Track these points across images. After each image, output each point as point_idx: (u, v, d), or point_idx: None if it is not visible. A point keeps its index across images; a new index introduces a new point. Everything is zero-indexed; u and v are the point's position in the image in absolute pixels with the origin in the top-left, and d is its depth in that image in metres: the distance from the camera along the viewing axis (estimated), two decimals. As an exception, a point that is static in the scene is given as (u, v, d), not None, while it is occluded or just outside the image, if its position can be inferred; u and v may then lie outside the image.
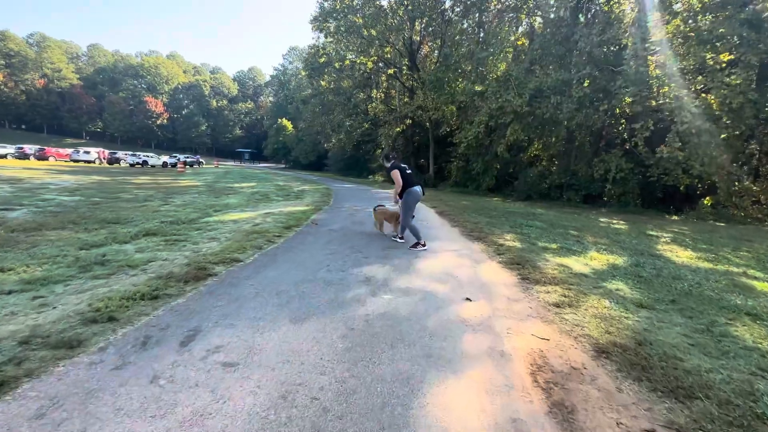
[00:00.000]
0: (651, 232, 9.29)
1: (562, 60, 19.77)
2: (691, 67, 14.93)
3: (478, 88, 19.71)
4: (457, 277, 3.99)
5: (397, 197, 5.72)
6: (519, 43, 22.22)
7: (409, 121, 28.93)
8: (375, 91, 32.32)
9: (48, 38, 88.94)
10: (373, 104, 32.64)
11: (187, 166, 42.20)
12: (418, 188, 5.63)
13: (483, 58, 19.95)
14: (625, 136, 17.58)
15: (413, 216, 5.75)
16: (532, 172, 20.92)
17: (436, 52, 29.79)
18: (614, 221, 11.84)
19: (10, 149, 41.36)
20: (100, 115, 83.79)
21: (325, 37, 27.96)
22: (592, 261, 5.14)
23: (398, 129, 28.87)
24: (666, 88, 14.90)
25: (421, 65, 30.03)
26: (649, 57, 16.62)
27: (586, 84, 17.10)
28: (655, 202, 17.69)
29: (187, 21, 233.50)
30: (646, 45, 16.62)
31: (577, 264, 4.87)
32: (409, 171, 5.65)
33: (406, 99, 30.21)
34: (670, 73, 14.75)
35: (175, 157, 43.57)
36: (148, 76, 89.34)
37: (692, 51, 14.55)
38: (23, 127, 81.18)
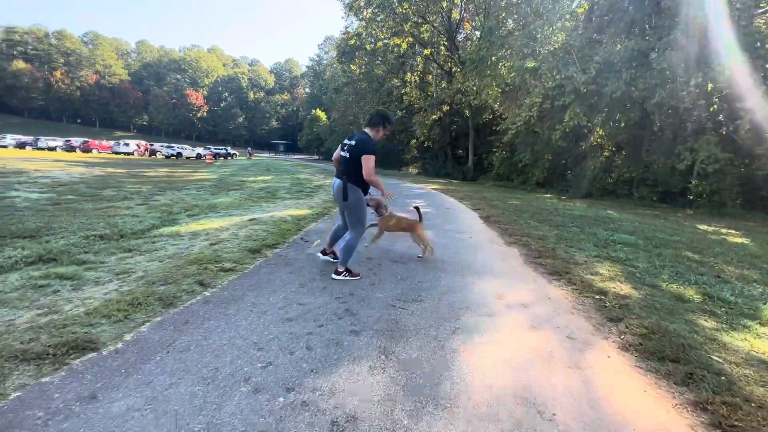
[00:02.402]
0: (799, 253, 6.35)
1: (636, 26, 16.21)
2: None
3: (530, 64, 16.64)
4: (552, 419, 1.68)
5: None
6: (580, 11, 18.70)
7: (446, 108, 26.16)
8: (409, 74, 29.69)
9: (100, 36, 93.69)
10: (407, 89, 30.05)
11: (220, 158, 42.04)
12: (335, 182, 3.54)
13: (537, 28, 16.80)
14: (721, 118, 14.00)
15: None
16: (593, 164, 17.67)
17: (477, 32, 26.63)
18: (722, 230, 8.83)
19: (59, 142, 43.34)
20: (146, 108, 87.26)
21: (355, 15, 25.67)
22: (802, 341, 2.60)
23: (434, 116, 26.19)
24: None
25: (461, 46, 27.02)
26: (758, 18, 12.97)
27: (669, 54, 13.65)
28: (757, 202, 14.04)
29: (227, 14, 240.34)
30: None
31: (789, 356, 2.37)
32: (346, 154, 3.44)
33: (443, 83, 27.39)
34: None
35: (209, 148, 43.61)
36: (190, 70, 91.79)
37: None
38: (78, 121, 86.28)
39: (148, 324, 2.34)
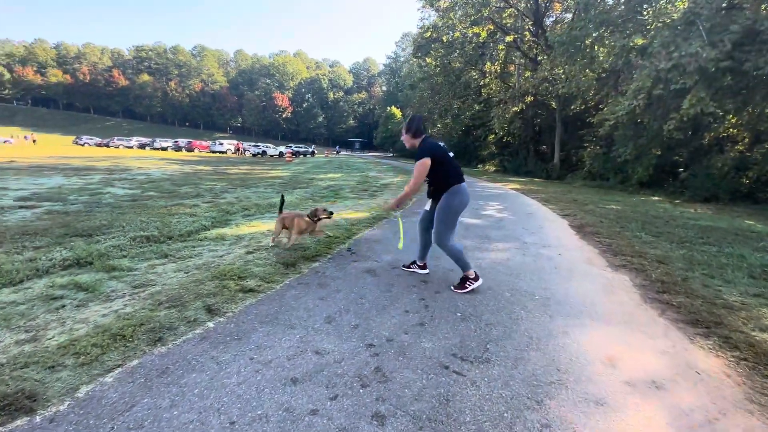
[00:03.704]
0: None
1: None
2: None
3: (638, 41, 13.98)
4: None
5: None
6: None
7: (530, 99, 23.75)
8: (489, 65, 27.64)
9: (206, 49, 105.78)
10: (486, 80, 28.04)
11: (299, 155, 44.29)
12: (466, 186, 3.14)
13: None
14: None
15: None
16: (720, 160, 14.32)
17: (569, 15, 23.65)
18: None
19: (169, 143, 49.80)
20: (240, 111, 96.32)
21: (431, 5, 24.57)
22: None
23: (516, 109, 23.94)
24: None
25: (549, 30, 24.28)
26: None
27: None
28: None
29: (313, 19, 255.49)
30: None
31: None
32: (451, 154, 3.14)
33: (527, 72, 24.92)
34: None
35: (290, 147, 46.26)
36: (277, 74, 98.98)
37: None
38: (186, 124, 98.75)
39: (118, 370, 1.81)
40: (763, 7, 12.07)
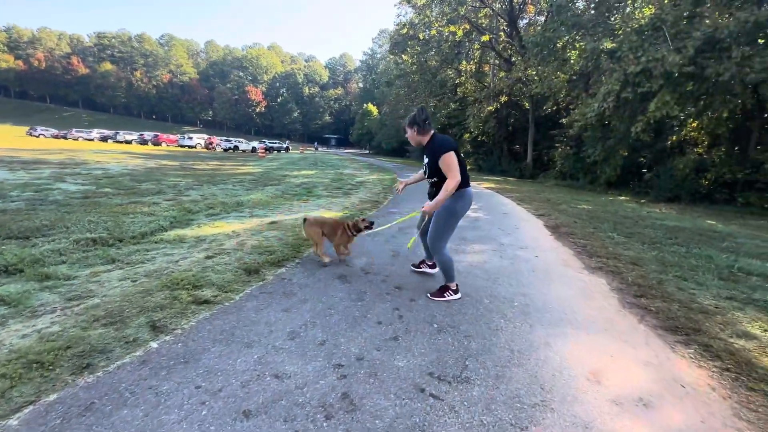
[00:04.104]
0: None
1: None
2: None
3: (608, 45, 14.35)
4: None
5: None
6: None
7: (504, 99, 24.05)
8: (465, 63, 27.82)
9: (174, 38, 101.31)
10: (462, 79, 28.21)
11: (273, 151, 43.20)
12: (471, 191, 2.95)
13: (617, 2, 14.45)
14: None
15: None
16: (681, 162, 14.96)
17: (541, 18, 24.14)
18: None
19: (134, 136, 47.35)
20: (211, 104, 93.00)
21: (408, 2, 24.41)
22: None
23: (490, 108, 24.21)
24: None
25: (523, 31, 24.69)
26: None
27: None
28: None
29: (288, 12, 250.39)
30: None
31: None
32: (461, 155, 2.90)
33: (502, 73, 25.26)
34: None
35: (263, 142, 45.00)
36: (251, 67, 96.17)
37: None
38: (153, 117, 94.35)
39: (29, 409, 1.50)
40: (720, 17, 12.65)
